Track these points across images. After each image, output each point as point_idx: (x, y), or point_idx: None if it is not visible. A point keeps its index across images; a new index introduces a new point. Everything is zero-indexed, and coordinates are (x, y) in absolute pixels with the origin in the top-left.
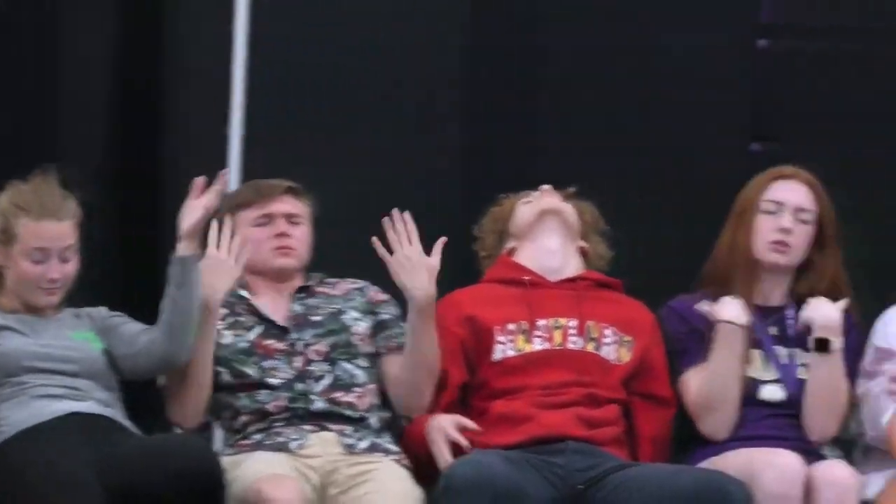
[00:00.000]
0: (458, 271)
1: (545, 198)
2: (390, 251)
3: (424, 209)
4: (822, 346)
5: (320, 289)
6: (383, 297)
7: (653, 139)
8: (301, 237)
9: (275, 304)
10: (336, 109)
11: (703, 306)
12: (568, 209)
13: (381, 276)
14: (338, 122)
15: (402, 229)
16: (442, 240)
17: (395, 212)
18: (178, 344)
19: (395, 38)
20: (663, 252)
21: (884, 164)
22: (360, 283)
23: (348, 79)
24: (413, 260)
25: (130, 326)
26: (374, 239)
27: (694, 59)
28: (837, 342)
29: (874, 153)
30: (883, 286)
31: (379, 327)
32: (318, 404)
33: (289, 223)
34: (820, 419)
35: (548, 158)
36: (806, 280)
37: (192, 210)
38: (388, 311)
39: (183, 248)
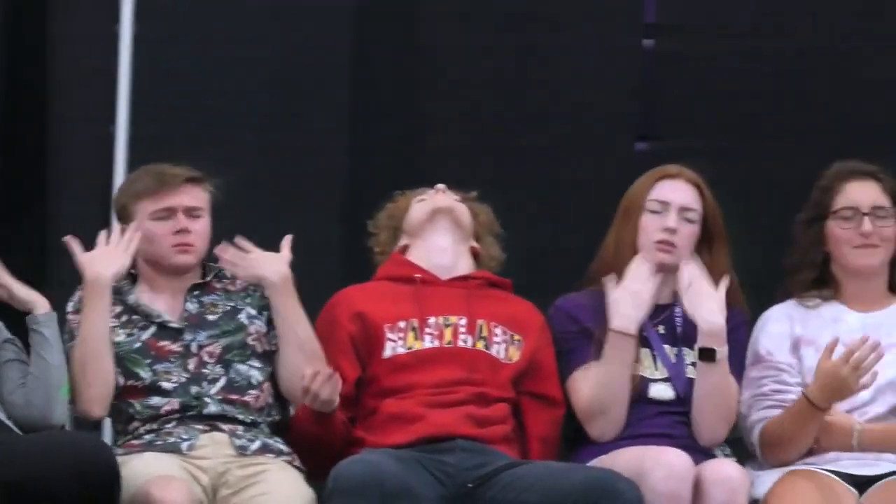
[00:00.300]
0: (348, 268)
1: (439, 196)
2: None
3: (313, 207)
4: (707, 355)
5: (218, 284)
6: None
7: (539, 138)
8: (201, 231)
9: (170, 303)
10: (223, 108)
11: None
12: (461, 209)
13: None
14: (225, 121)
15: (228, 257)
16: (289, 237)
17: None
18: (49, 410)
19: (283, 35)
20: (550, 251)
21: (768, 162)
22: None
23: (236, 77)
24: (256, 254)
25: (14, 372)
26: (219, 253)
27: (580, 59)
28: (722, 350)
29: (758, 152)
30: (768, 286)
31: (272, 324)
32: (212, 407)
33: (189, 217)
34: (708, 424)
35: (436, 157)
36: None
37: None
38: None
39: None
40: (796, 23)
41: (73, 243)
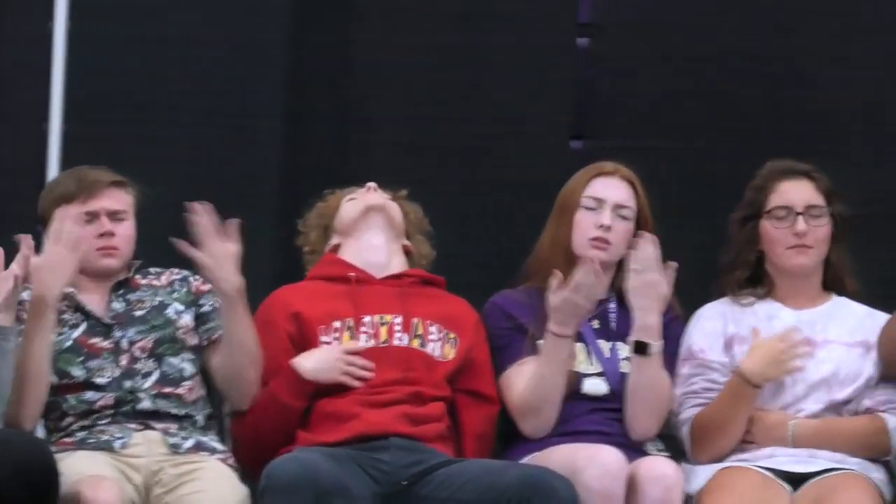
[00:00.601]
0: (281, 267)
1: (370, 195)
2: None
3: (245, 205)
4: (641, 348)
5: (143, 280)
6: (206, 287)
7: (473, 136)
8: (125, 234)
9: (98, 301)
10: (158, 106)
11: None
12: (393, 206)
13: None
14: (159, 118)
15: (204, 222)
16: (235, 221)
17: (196, 205)
18: None
19: (218, 32)
20: (485, 249)
21: (702, 161)
22: (183, 273)
23: (169, 74)
24: (216, 252)
25: None
26: (177, 241)
27: (514, 58)
28: (656, 345)
29: (692, 151)
30: (702, 283)
31: (201, 319)
32: (146, 402)
33: (113, 220)
34: (641, 419)
35: (369, 156)
36: (626, 275)
37: (2, 281)
38: (210, 302)
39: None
40: (730, 22)
41: (27, 244)
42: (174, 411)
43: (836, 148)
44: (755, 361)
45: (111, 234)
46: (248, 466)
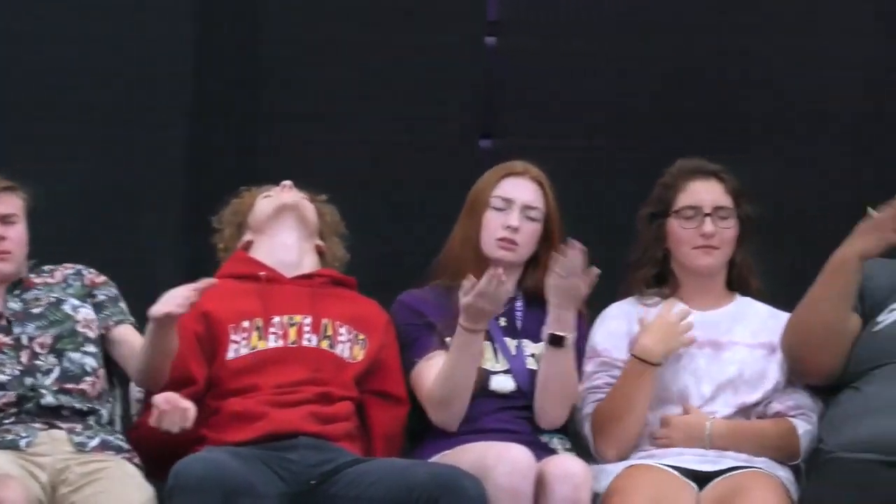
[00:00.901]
0: (188, 267)
1: (285, 193)
2: None
3: (151, 202)
4: (556, 341)
5: (37, 279)
6: (100, 279)
7: (382, 135)
8: (16, 238)
9: None
10: (61, 106)
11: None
12: (307, 206)
13: (106, 266)
14: (63, 119)
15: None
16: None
17: None
18: None
19: (122, 31)
20: (395, 249)
21: (611, 159)
22: (76, 267)
23: (73, 74)
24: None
25: None
26: None
27: (422, 57)
28: (570, 337)
29: (602, 149)
30: (610, 282)
31: (97, 308)
32: (49, 398)
33: (3, 224)
34: (550, 407)
35: (277, 154)
36: (533, 274)
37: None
38: (105, 293)
39: None
40: (638, 19)
41: None
42: (77, 406)
43: (737, 147)
44: (650, 339)
45: (2, 238)
46: (150, 468)
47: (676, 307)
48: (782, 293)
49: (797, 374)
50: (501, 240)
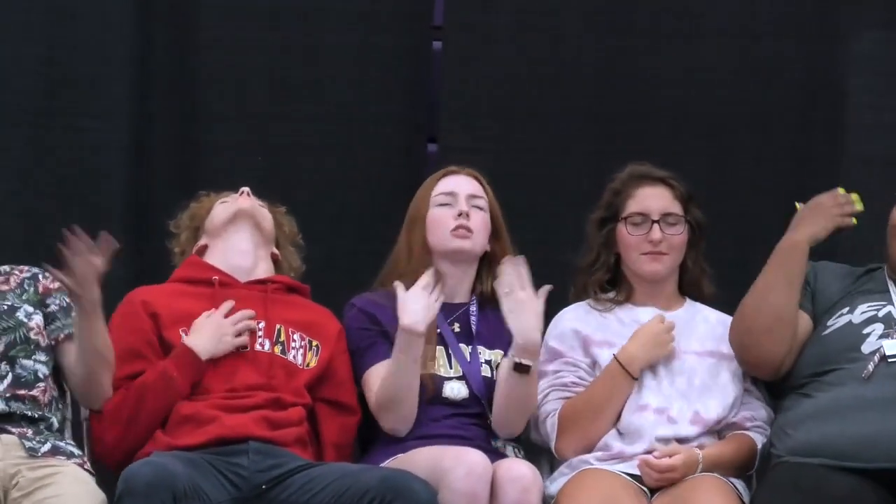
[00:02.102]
0: (129, 269)
1: (242, 199)
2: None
3: (91, 207)
4: (522, 369)
5: None
6: (54, 285)
7: (328, 140)
8: None
9: None
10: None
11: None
12: (263, 213)
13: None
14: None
15: (75, 243)
16: (108, 237)
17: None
18: None
19: (59, 31)
20: (341, 253)
21: (559, 165)
22: (32, 271)
23: (9, 74)
24: (80, 268)
25: None
26: (46, 266)
27: (368, 60)
28: (535, 364)
29: (549, 154)
30: (555, 281)
31: (48, 318)
32: (0, 405)
33: None
34: (510, 421)
35: (220, 156)
36: (487, 271)
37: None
38: (57, 302)
39: None
40: (584, 23)
41: None
42: (29, 413)
43: (679, 149)
44: (635, 345)
45: None
46: (113, 457)
47: (662, 318)
48: (724, 296)
49: (743, 364)
50: (455, 230)
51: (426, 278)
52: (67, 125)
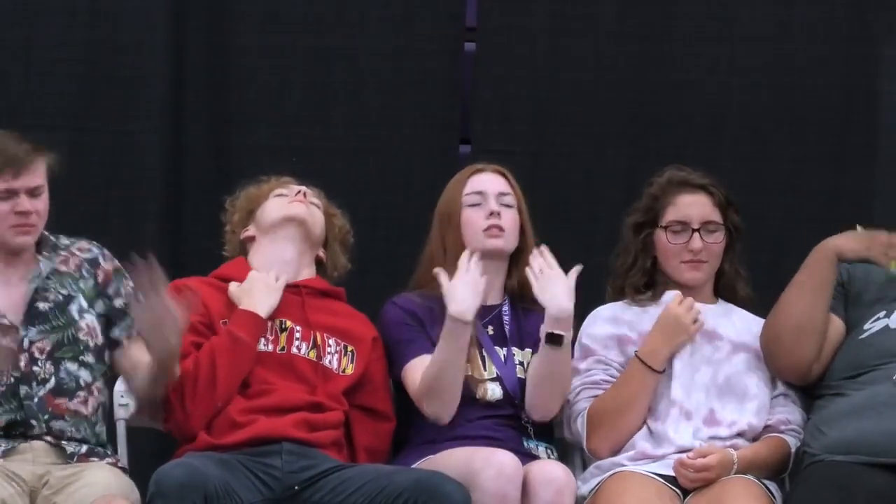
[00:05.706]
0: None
1: (296, 204)
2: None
3: (128, 206)
4: (555, 339)
5: (54, 256)
6: (113, 265)
7: (363, 142)
8: (43, 210)
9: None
10: (38, 107)
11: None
12: (315, 220)
13: None
14: (39, 121)
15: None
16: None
17: (138, 261)
18: None
19: (97, 34)
20: (376, 256)
21: (590, 166)
22: (93, 250)
23: (50, 76)
24: (157, 314)
25: None
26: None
27: (402, 62)
28: (569, 335)
29: (580, 156)
30: (589, 288)
31: (116, 317)
32: (37, 430)
33: (31, 197)
34: (544, 401)
35: (256, 158)
36: (516, 270)
37: None
38: (119, 295)
39: None
40: (619, 25)
41: None
42: (69, 431)
43: (715, 152)
44: (655, 340)
45: (29, 213)
46: (193, 424)
47: (682, 298)
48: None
49: (772, 369)
50: (488, 229)
51: (464, 260)
52: (105, 128)
